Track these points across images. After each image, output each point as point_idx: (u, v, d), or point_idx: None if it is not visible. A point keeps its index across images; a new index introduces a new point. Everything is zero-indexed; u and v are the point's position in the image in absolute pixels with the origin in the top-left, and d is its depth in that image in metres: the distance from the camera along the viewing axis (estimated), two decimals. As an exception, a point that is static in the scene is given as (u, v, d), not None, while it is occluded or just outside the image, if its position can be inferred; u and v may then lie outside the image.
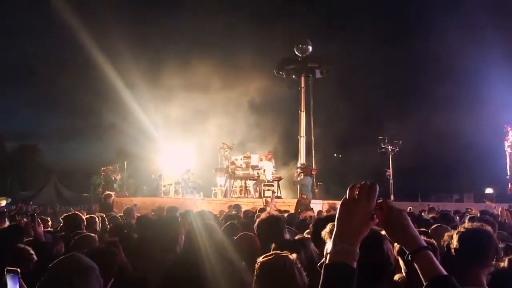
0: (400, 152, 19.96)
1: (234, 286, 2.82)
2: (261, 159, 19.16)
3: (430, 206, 12.31)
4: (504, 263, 2.06)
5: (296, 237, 3.92)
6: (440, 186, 22.01)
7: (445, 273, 1.73)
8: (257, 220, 4.13)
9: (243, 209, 10.43)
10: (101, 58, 19.71)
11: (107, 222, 6.49)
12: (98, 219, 6.33)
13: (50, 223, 6.17)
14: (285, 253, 2.58)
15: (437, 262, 1.75)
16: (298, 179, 15.62)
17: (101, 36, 19.92)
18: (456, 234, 2.87)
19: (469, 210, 10.08)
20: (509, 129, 22.90)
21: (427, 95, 23.54)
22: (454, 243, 2.84)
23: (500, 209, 8.96)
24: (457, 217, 7.59)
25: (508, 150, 22.96)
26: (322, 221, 3.02)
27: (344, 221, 1.64)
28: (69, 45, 22.09)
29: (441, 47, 22.85)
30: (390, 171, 19.54)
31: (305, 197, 14.52)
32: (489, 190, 21.80)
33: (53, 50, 22.63)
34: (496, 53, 21.50)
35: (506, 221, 7.67)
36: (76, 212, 6.17)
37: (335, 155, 22.97)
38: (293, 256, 2.53)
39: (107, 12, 20.85)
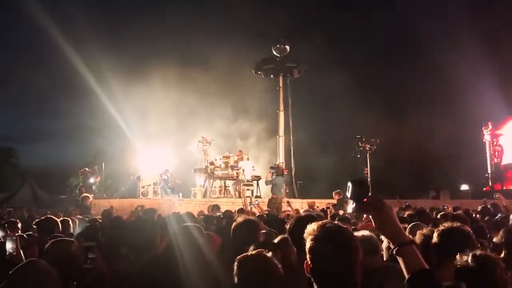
0: (378, 151, 20.17)
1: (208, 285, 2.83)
2: (241, 159, 19.19)
3: (407, 204, 12.47)
4: (468, 258, 2.07)
5: (278, 238, 3.92)
6: (416, 184, 22.32)
7: (427, 267, 1.83)
8: (233, 224, 4.13)
9: (222, 209, 10.41)
10: (77, 60, 19.46)
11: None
12: (76, 223, 6.23)
13: (20, 225, 6.00)
14: (261, 250, 2.60)
15: (421, 257, 1.85)
16: (270, 179, 15.75)
17: (76, 37, 19.68)
18: (436, 231, 2.96)
19: (445, 207, 10.24)
20: (486, 124, 23.47)
21: (405, 93, 23.88)
22: (434, 240, 2.94)
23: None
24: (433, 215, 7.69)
25: (487, 139, 23.45)
26: (300, 221, 3.04)
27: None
28: (43, 47, 21.68)
29: (417, 44, 23.19)
30: (368, 170, 19.72)
31: (275, 197, 14.62)
32: (464, 187, 22.19)
33: (27, 51, 22.22)
34: (472, 50, 21.91)
35: None
36: (50, 216, 6.04)
37: (314, 154, 23.06)
38: (269, 254, 2.54)
39: (81, 13, 20.61)
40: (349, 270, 1.92)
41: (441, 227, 3.01)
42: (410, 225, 4.19)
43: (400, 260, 1.85)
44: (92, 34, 19.98)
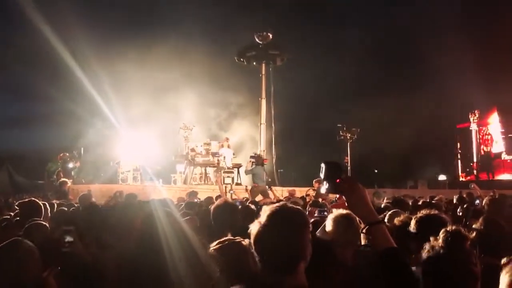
0: (358, 140, 20.36)
1: (195, 272, 2.81)
2: (222, 146, 19.15)
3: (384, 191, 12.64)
4: (439, 242, 2.09)
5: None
6: (395, 173, 22.58)
7: (395, 245, 1.94)
8: (213, 207, 4.13)
9: (203, 196, 10.38)
10: (56, 41, 19.00)
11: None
12: (54, 207, 6.15)
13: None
14: (238, 239, 2.60)
15: (389, 236, 1.95)
16: (249, 168, 15.81)
17: (56, 20, 19.16)
18: (414, 219, 3.02)
19: (421, 197, 10.44)
20: (472, 114, 23.82)
21: (385, 82, 24.03)
22: (412, 227, 3.00)
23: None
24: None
25: (474, 127, 23.82)
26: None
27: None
28: (22, 30, 21.12)
29: (402, 33, 23.27)
30: (348, 159, 19.91)
31: (256, 185, 14.68)
32: (442, 177, 22.55)
33: (5, 34, 21.61)
34: (450, 37, 22.09)
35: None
36: (33, 198, 5.94)
37: (295, 142, 23.14)
38: (246, 242, 2.53)
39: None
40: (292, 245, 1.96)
41: (418, 215, 3.07)
42: (389, 212, 4.24)
43: (370, 238, 1.97)
44: (73, 14, 19.54)
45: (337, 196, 2.10)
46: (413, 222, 3.02)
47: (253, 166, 15.69)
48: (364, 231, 1.98)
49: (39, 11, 18.55)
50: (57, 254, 2.96)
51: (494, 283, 1.80)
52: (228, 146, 19.28)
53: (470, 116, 23.68)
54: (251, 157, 17.50)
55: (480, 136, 24.32)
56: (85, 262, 3.15)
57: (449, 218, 3.36)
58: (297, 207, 2.14)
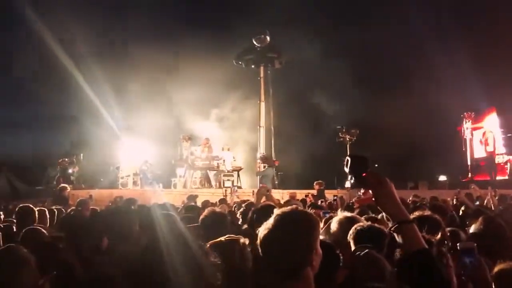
0: (358, 141, 20.33)
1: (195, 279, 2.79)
2: (222, 149, 19.19)
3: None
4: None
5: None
6: (395, 174, 22.52)
7: (426, 247, 1.82)
8: (200, 217, 4.11)
9: (203, 199, 10.38)
10: (54, 44, 18.99)
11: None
12: (54, 213, 6.13)
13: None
14: (238, 237, 2.60)
15: (421, 237, 1.83)
16: (261, 170, 15.83)
17: (58, 26, 19.16)
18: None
19: (423, 199, 10.46)
20: (467, 115, 23.79)
21: (384, 83, 24.02)
22: None
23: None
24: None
25: (468, 136, 23.83)
26: (258, 211, 3.06)
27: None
28: (17, 31, 21.10)
29: (396, 34, 23.27)
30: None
31: (265, 186, 14.66)
32: (442, 178, 22.50)
33: (7, 39, 21.56)
34: (450, 37, 22.08)
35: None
36: (29, 204, 5.92)
37: (294, 144, 23.14)
38: (243, 240, 2.53)
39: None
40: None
41: (411, 216, 3.06)
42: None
43: (399, 237, 1.83)
44: (71, 17, 19.50)
45: (362, 191, 2.00)
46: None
47: (265, 167, 15.71)
48: (393, 229, 1.85)
49: (41, 17, 18.56)
50: (52, 260, 2.93)
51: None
52: (228, 150, 19.30)
53: (467, 117, 23.67)
54: (260, 158, 17.55)
55: (481, 137, 24.23)
56: (75, 268, 3.12)
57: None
58: (306, 210, 2.10)
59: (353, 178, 1.92)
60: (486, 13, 22.72)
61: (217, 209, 4.67)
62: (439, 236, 2.89)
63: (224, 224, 3.94)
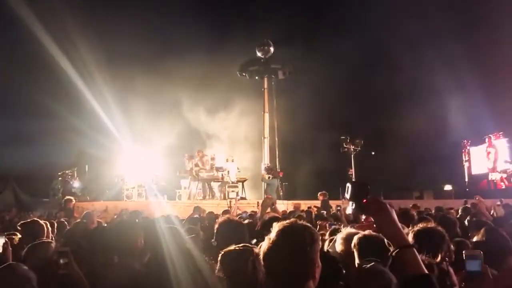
0: (362, 152, 20.33)
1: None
2: (226, 160, 19.24)
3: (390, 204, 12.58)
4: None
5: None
6: (400, 184, 22.45)
7: (426, 271, 1.83)
8: (217, 223, 4.07)
9: (207, 211, 10.42)
10: (60, 57, 19.11)
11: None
12: (64, 225, 6.16)
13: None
14: (253, 246, 2.60)
15: (421, 261, 1.84)
16: (267, 178, 16.02)
17: (57, 31, 19.15)
18: (412, 232, 3.02)
19: (427, 209, 10.43)
20: (466, 143, 24.00)
21: (388, 93, 24.00)
22: (410, 240, 2.95)
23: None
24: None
25: (465, 164, 24.12)
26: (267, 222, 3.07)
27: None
28: (23, 44, 21.22)
29: (405, 43, 23.28)
30: (353, 171, 19.85)
31: (270, 197, 14.65)
32: (448, 187, 22.42)
33: (6, 48, 21.65)
34: (456, 47, 22.03)
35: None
36: (35, 219, 5.94)
37: (299, 155, 23.14)
38: (257, 250, 2.54)
39: (65, 9, 20.17)
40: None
41: (415, 228, 3.07)
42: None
43: (399, 263, 1.84)
44: (77, 30, 19.59)
45: (364, 216, 2.05)
46: (410, 235, 3.02)
47: (269, 178, 15.91)
48: (393, 254, 1.85)
49: (43, 26, 18.63)
50: (54, 276, 2.92)
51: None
52: (233, 161, 19.34)
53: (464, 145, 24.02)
54: (265, 169, 17.70)
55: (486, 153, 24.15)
56: (80, 283, 3.11)
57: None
58: (307, 224, 2.13)
59: (354, 205, 1.95)
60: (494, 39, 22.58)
61: (235, 217, 4.65)
62: (439, 258, 2.89)
63: (242, 233, 3.90)
